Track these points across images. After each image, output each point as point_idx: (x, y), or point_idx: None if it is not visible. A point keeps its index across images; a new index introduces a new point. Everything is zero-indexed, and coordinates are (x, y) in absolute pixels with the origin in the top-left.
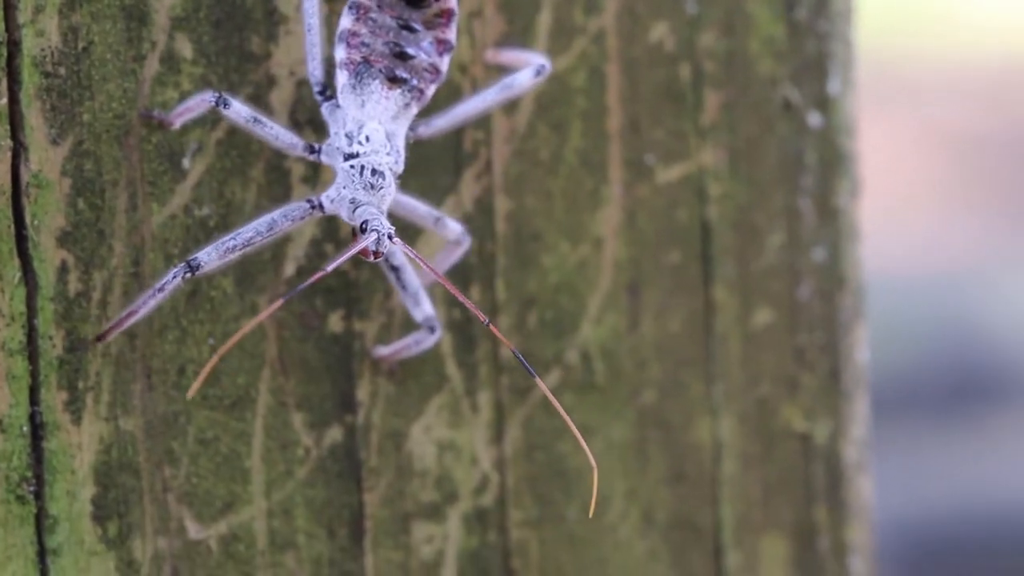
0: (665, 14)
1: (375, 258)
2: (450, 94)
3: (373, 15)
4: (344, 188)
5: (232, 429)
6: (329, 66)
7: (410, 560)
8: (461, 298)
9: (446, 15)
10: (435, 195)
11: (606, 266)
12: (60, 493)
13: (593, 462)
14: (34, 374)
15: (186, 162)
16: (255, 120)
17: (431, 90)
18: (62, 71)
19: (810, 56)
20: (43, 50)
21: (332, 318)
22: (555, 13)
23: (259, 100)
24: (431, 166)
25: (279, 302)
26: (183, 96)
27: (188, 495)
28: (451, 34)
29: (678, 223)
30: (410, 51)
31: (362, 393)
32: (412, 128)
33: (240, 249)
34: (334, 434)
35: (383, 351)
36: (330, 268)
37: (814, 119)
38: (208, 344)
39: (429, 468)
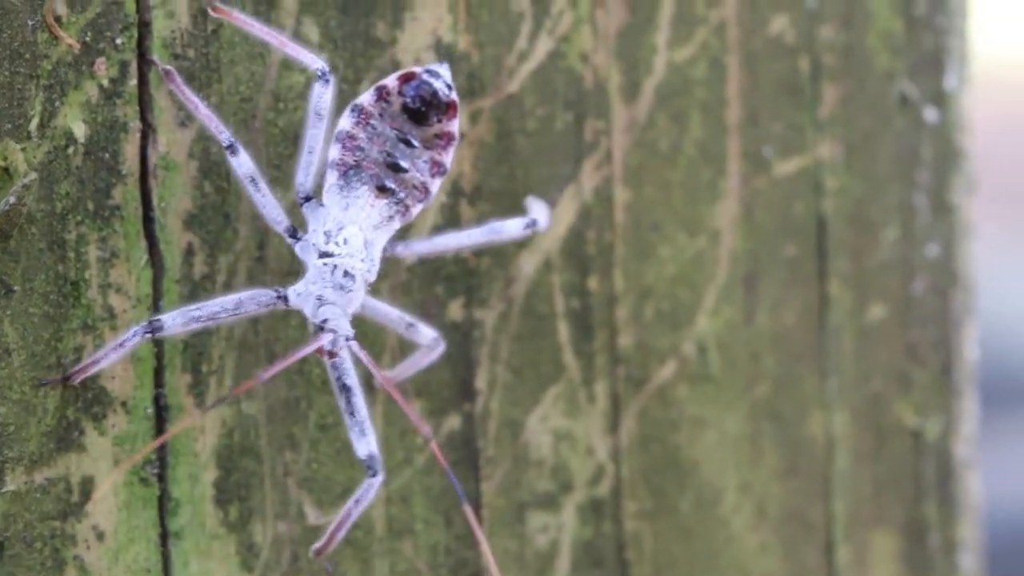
0: (785, 7)
1: (329, 358)
2: (571, 83)
3: (374, 122)
4: (313, 284)
5: None
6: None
7: (525, 549)
8: (406, 408)
9: (446, 137)
10: (555, 184)
11: (723, 258)
12: (183, 476)
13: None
14: (159, 356)
15: None
16: (252, 180)
17: (417, 209)
18: (191, 53)
19: (927, 51)
20: (173, 32)
21: (452, 306)
22: (677, 3)
23: None
24: (552, 155)
25: (250, 382)
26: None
27: (308, 480)
28: (447, 158)
29: (794, 216)
30: (404, 164)
31: (480, 381)
32: (391, 243)
33: (203, 321)
34: (452, 422)
35: (318, 545)
36: (274, 370)
37: (930, 114)
38: None
39: (545, 457)
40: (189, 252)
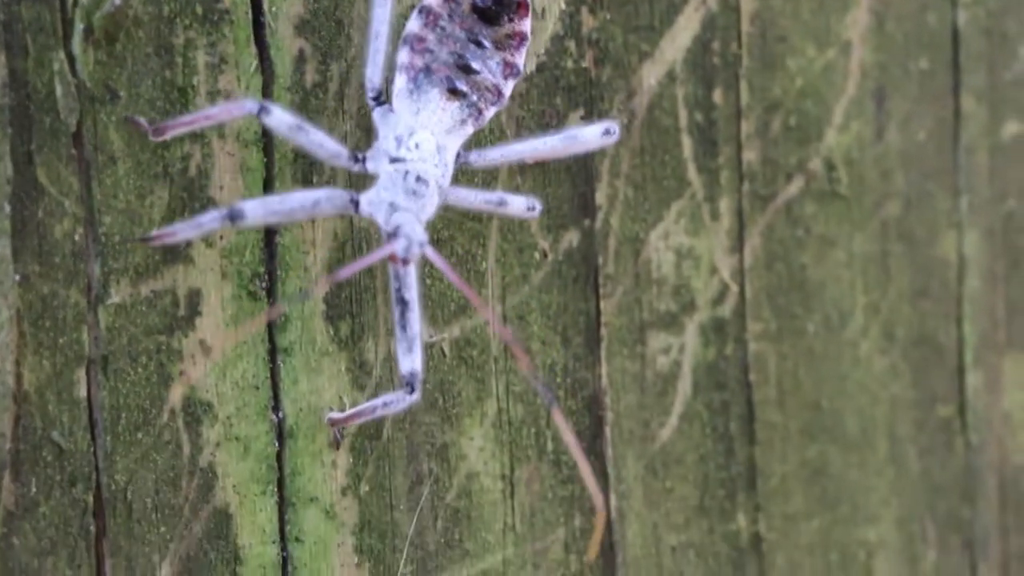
0: None
1: (403, 265)
2: None
3: (443, 23)
4: (384, 191)
5: (468, 229)
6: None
7: (646, 371)
8: (476, 301)
9: (518, 37)
10: None
11: (852, 71)
12: (292, 290)
13: (600, 505)
14: (268, 167)
15: None
16: (298, 128)
17: (490, 112)
18: None
19: None
20: None
21: (571, 117)
22: None
23: None
24: None
25: (328, 279)
26: None
27: (422, 296)
28: (520, 58)
29: (927, 28)
30: (475, 66)
31: (600, 196)
32: (464, 151)
33: (282, 215)
34: (571, 238)
35: (336, 416)
36: (345, 273)
37: None
38: None
39: (667, 276)
40: (300, 59)
